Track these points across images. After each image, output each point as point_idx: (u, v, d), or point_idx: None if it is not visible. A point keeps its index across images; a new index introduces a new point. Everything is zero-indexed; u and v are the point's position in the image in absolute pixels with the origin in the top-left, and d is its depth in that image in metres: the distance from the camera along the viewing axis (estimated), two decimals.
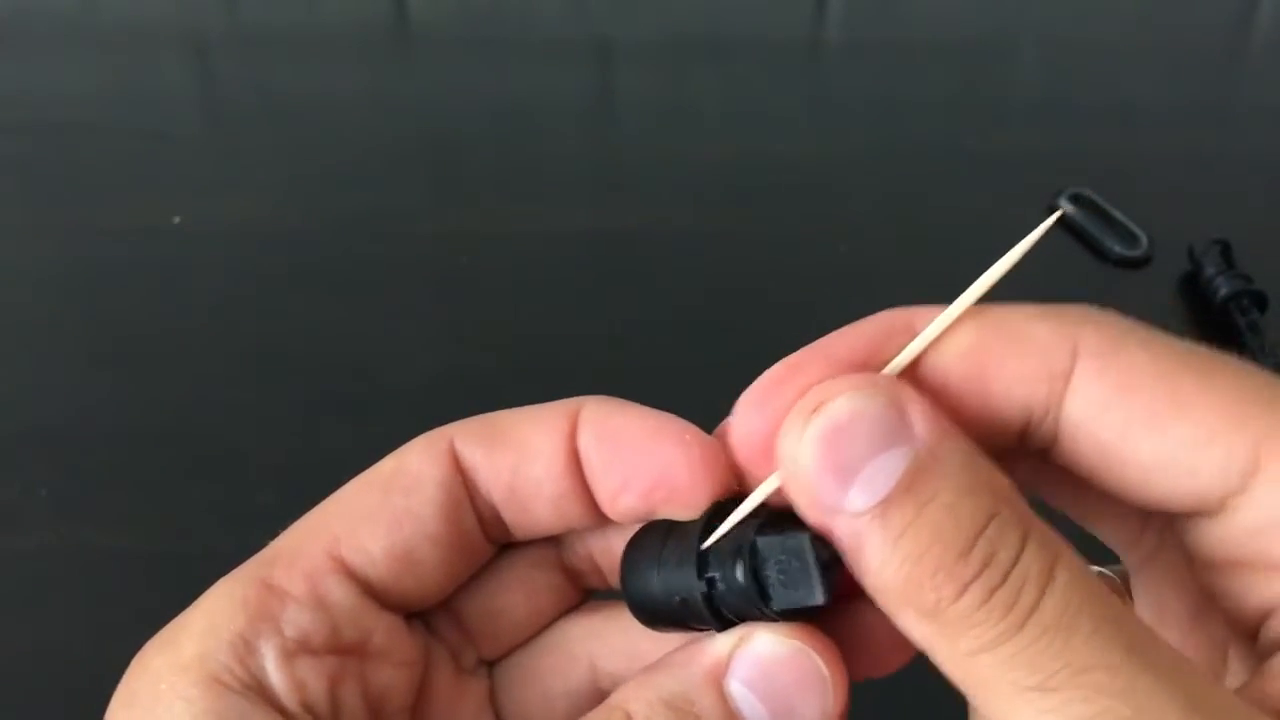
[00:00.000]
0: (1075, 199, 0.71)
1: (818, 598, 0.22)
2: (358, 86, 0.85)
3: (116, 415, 0.60)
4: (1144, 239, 0.69)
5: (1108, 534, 0.26)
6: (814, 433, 0.21)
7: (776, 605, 0.23)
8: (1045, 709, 0.19)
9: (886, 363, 0.22)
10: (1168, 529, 0.24)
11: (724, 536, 0.23)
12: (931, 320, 0.22)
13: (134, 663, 0.24)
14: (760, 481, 0.23)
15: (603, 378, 0.61)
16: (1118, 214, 0.70)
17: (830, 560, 0.22)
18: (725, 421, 0.24)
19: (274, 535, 0.25)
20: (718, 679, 0.23)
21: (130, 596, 0.52)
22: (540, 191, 0.75)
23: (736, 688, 0.23)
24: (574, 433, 0.25)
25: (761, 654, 0.23)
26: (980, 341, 0.22)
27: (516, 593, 0.27)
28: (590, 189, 0.76)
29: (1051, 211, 0.21)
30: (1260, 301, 0.64)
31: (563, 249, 0.70)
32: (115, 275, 0.69)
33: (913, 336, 0.22)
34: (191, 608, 0.24)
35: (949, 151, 0.78)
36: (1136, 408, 0.21)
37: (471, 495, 0.26)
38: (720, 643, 0.23)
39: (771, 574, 0.22)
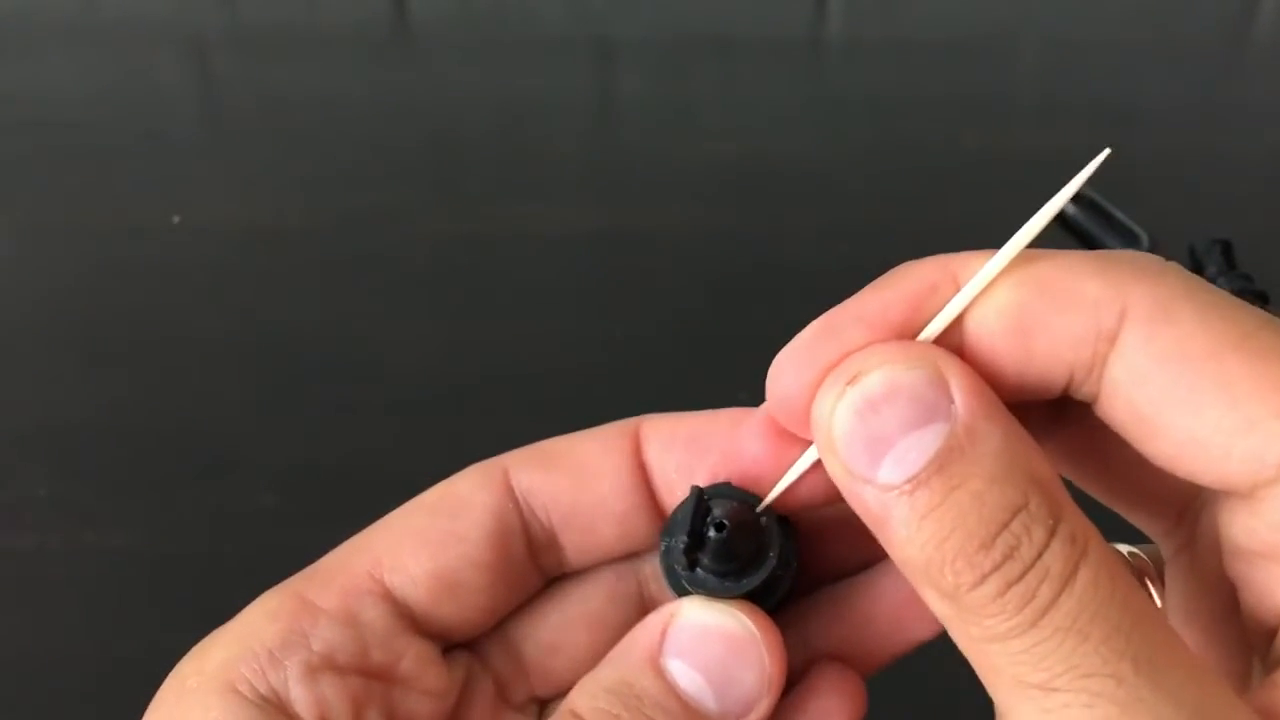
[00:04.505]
0: (1075, 198, 0.71)
1: (676, 543, 0.23)
2: (358, 86, 0.85)
3: (116, 415, 0.60)
4: (1144, 238, 0.69)
5: (1143, 522, 0.25)
6: (848, 404, 0.20)
7: (665, 548, 0.23)
8: (1046, 708, 0.19)
9: (928, 320, 0.22)
10: (1205, 519, 0.23)
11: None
12: (977, 269, 0.21)
13: (175, 668, 0.24)
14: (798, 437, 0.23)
15: (603, 378, 0.61)
16: (1118, 213, 0.70)
17: (733, 526, 0.23)
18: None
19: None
20: (654, 658, 0.23)
21: (130, 596, 0.52)
22: (541, 192, 0.75)
23: (673, 664, 0.23)
24: (637, 449, 0.25)
25: (690, 624, 0.23)
26: (1024, 298, 0.21)
27: (579, 629, 0.26)
28: (590, 189, 0.76)
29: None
30: (1262, 301, 0.64)
31: (563, 249, 0.70)
32: (115, 275, 0.69)
33: (958, 288, 0.21)
34: (234, 618, 0.24)
35: (949, 151, 0.77)
36: (1176, 383, 0.20)
37: (526, 521, 0.25)
38: (652, 622, 0.23)
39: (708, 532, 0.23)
